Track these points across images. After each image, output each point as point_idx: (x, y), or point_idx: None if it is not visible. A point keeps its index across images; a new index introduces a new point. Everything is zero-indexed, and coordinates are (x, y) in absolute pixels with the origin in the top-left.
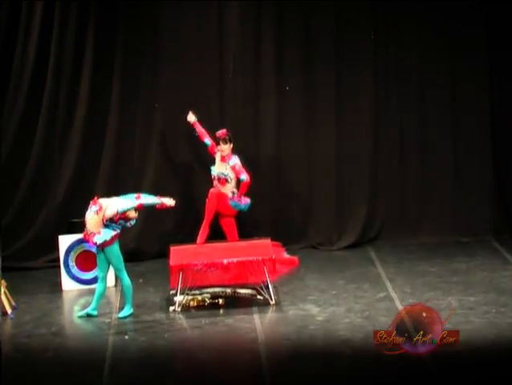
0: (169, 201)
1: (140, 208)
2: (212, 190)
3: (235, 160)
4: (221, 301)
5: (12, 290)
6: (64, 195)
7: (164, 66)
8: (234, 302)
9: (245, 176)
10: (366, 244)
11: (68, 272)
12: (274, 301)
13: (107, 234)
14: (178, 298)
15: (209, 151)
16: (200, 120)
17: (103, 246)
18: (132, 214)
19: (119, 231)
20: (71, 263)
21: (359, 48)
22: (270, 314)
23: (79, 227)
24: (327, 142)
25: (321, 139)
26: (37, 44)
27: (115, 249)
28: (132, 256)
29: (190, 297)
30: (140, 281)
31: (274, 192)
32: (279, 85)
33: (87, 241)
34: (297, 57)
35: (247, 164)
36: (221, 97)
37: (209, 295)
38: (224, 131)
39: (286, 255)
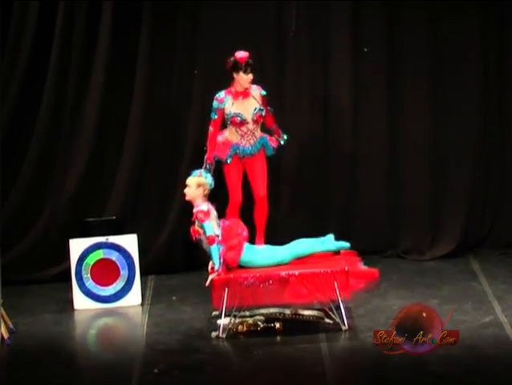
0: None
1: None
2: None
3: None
4: (278, 325)
5: (10, 309)
6: (77, 186)
7: (204, 17)
8: (295, 327)
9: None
10: (467, 252)
11: (81, 286)
12: (346, 326)
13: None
14: (223, 321)
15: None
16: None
17: None
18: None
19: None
20: (86, 275)
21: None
22: (342, 343)
23: (96, 228)
24: (417, 122)
25: (411, 118)
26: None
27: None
28: (163, 266)
29: (238, 320)
30: (174, 298)
31: (346, 186)
32: (355, 45)
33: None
34: (378, 6)
35: (312, 147)
36: (279, 61)
37: (262, 318)
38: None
39: (363, 266)
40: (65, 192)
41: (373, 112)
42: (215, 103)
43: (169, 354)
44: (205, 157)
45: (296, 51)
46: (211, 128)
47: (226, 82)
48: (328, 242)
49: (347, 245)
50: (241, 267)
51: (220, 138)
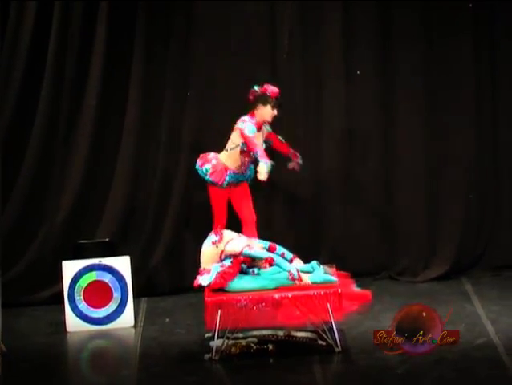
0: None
1: (270, 263)
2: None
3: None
4: (271, 346)
5: (2, 331)
6: (70, 208)
7: (199, 42)
8: (288, 349)
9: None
10: (460, 273)
11: (74, 308)
12: (340, 348)
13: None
14: (216, 343)
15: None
16: (242, 110)
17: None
18: (261, 264)
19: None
20: (78, 297)
21: (455, 18)
22: (335, 365)
23: (89, 250)
24: (412, 146)
25: (405, 143)
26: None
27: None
28: (156, 288)
29: (231, 342)
30: (167, 320)
31: (339, 206)
32: (348, 68)
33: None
34: (371, 29)
35: (306, 170)
36: (272, 83)
37: (255, 339)
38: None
39: (356, 288)
40: (58, 214)
41: (368, 137)
42: (254, 128)
43: (162, 377)
44: (266, 158)
45: (289, 73)
46: (253, 140)
47: (218, 105)
48: (315, 274)
49: (333, 279)
50: (225, 291)
51: (214, 161)
